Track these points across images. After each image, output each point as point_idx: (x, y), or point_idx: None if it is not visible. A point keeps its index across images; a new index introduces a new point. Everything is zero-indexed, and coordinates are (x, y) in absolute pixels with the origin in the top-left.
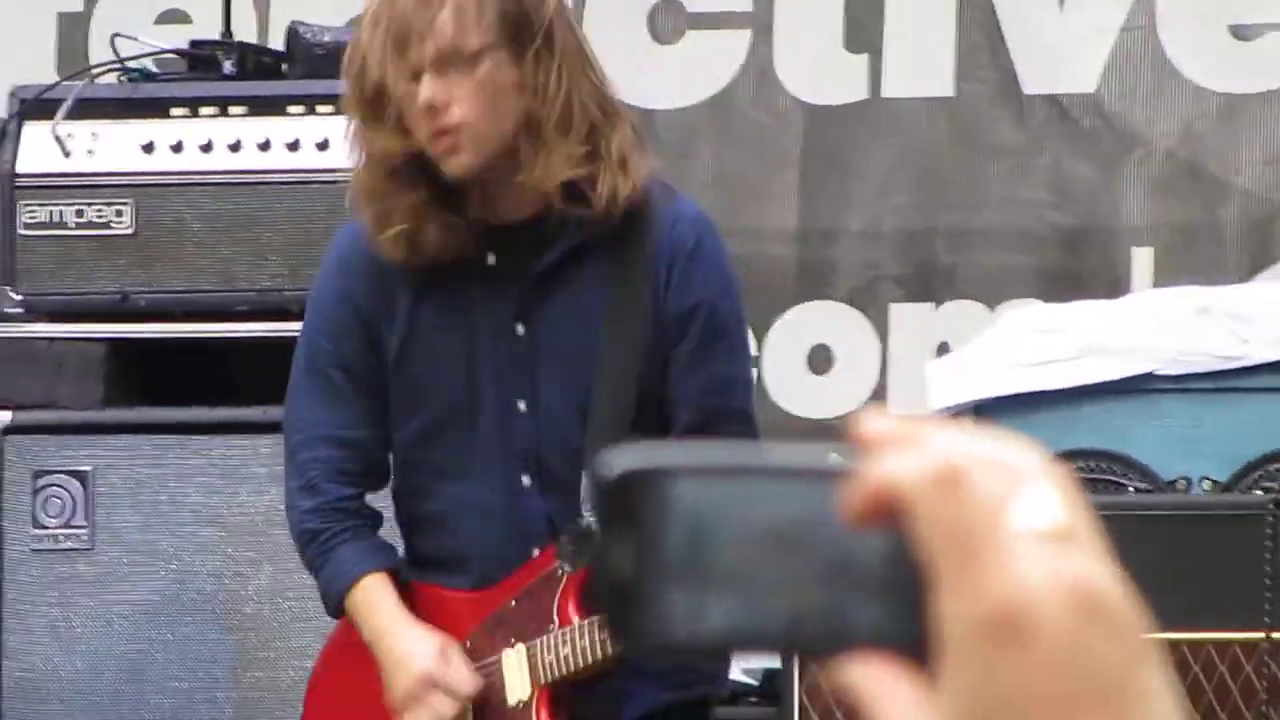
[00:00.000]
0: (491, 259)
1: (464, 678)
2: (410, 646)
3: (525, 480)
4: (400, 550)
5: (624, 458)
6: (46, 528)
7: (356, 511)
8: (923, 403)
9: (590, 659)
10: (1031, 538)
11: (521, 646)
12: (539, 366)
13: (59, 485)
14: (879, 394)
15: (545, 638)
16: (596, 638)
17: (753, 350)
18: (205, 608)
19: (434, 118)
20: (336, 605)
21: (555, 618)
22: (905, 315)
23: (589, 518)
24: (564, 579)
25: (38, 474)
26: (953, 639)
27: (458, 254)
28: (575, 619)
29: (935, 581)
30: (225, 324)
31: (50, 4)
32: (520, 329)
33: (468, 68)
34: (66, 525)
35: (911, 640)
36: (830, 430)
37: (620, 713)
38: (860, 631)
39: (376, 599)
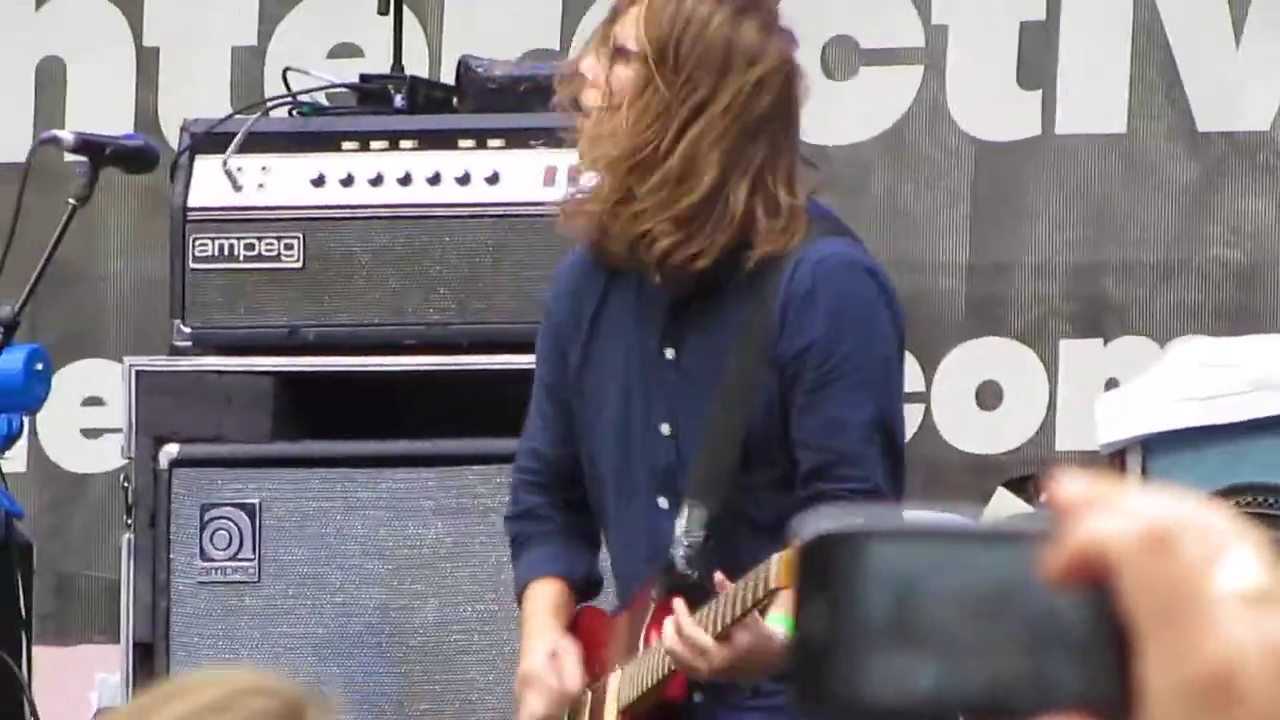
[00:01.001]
0: (656, 278)
1: (562, 677)
2: (533, 648)
3: (663, 502)
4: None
5: (821, 521)
6: (214, 560)
7: (547, 519)
8: (1091, 438)
9: (653, 680)
10: (1237, 600)
11: (619, 671)
12: (682, 391)
13: (227, 518)
14: (1047, 430)
15: (633, 665)
16: (653, 662)
17: (920, 385)
18: (372, 641)
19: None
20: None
21: (641, 645)
22: (1075, 351)
23: (681, 549)
24: (652, 607)
25: (206, 507)
26: (1158, 700)
27: (632, 269)
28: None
29: (1141, 643)
30: (394, 357)
31: (225, 38)
32: (669, 353)
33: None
34: (234, 558)
35: (1115, 701)
36: (998, 466)
37: None
38: (1063, 692)
39: (532, 606)
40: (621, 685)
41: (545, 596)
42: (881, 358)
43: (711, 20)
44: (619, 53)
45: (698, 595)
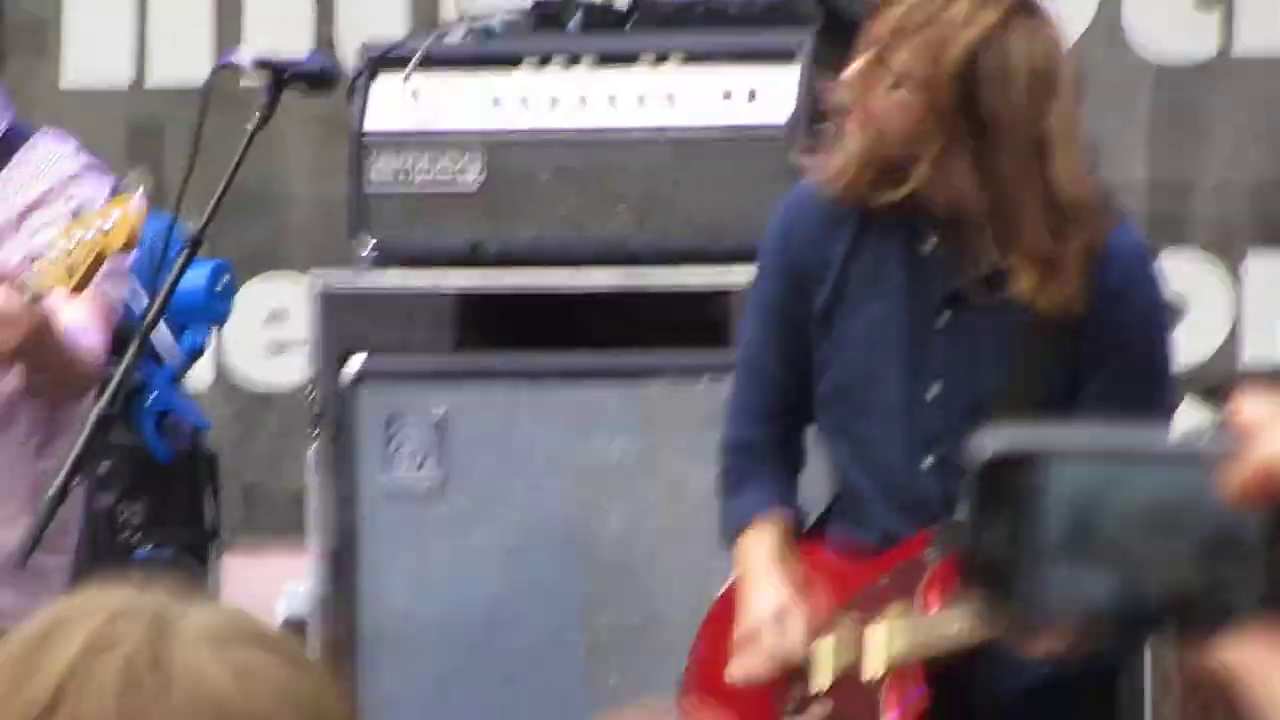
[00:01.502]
0: (930, 245)
1: (788, 640)
2: (757, 596)
3: (927, 462)
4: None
5: (1000, 440)
6: (399, 472)
7: (767, 452)
8: (1275, 352)
9: (947, 648)
10: None
11: (884, 625)
12: (956, 358)
13: (412, 431)
14: (1232, 344)
15: (905, 621)
16: (953, 629)
17: None
18: (557, 551)
19: None
20: (730, 544)
21: (919, 603)
22: (1259, 266)
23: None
24: (930, 567)
25: (390, 420)
26: None
27: (891, 217)
28: (935, 608)
29: None
30: (573, 272)
31: None
32: (943, 319)
33: None
34: (419, 469)
35: None
36: (1183, 380)
37: (1004, 683)
38: (1240, 606)
39: (753, 548)
40: (892, 638)
41: (768, 540)
42: (1166, 353)
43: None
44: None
45: None
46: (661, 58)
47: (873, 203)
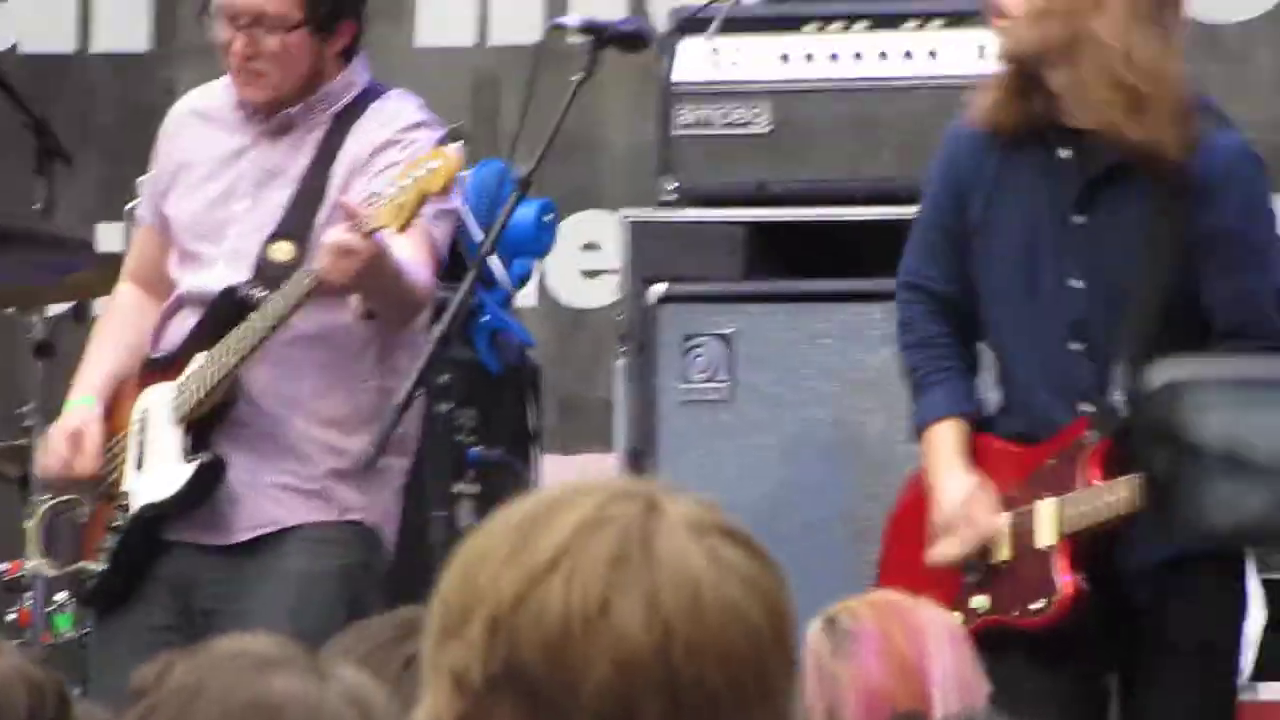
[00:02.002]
0: (1063, 153)
1: (980, 522)
2: (947, 486)
3: (1075, 346)
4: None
5: (1166, 370)
6: (694, 382)
7: (948, 352)
8: None
9: (1108, 515)
10: None
11: (1053, 500)
12: (1092, 251)
13: (705, 346)
14: None
15: (1072, 494)
16: (1113, 498)
17: None
18: (828, 451)
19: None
20: (918, 439)
21: (1081, 479)
22: None
23: (1118, 395)
24: (1090, 447)
25: (687, 337)
26: None
27: (1031, 138)
28: (1097, 481)
29: None
30: (846, 208)
31: None
32: (1079, 218)
33: None
34: (711, 380)
35: None
36: None
37: (1150, 554)
38: None
39: (940, 442)
40: (1061, 514)
41: (952, 435)
42: (1275, 237)
43: None
44: None
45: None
46: (927, 19)
47: (1014, 123)
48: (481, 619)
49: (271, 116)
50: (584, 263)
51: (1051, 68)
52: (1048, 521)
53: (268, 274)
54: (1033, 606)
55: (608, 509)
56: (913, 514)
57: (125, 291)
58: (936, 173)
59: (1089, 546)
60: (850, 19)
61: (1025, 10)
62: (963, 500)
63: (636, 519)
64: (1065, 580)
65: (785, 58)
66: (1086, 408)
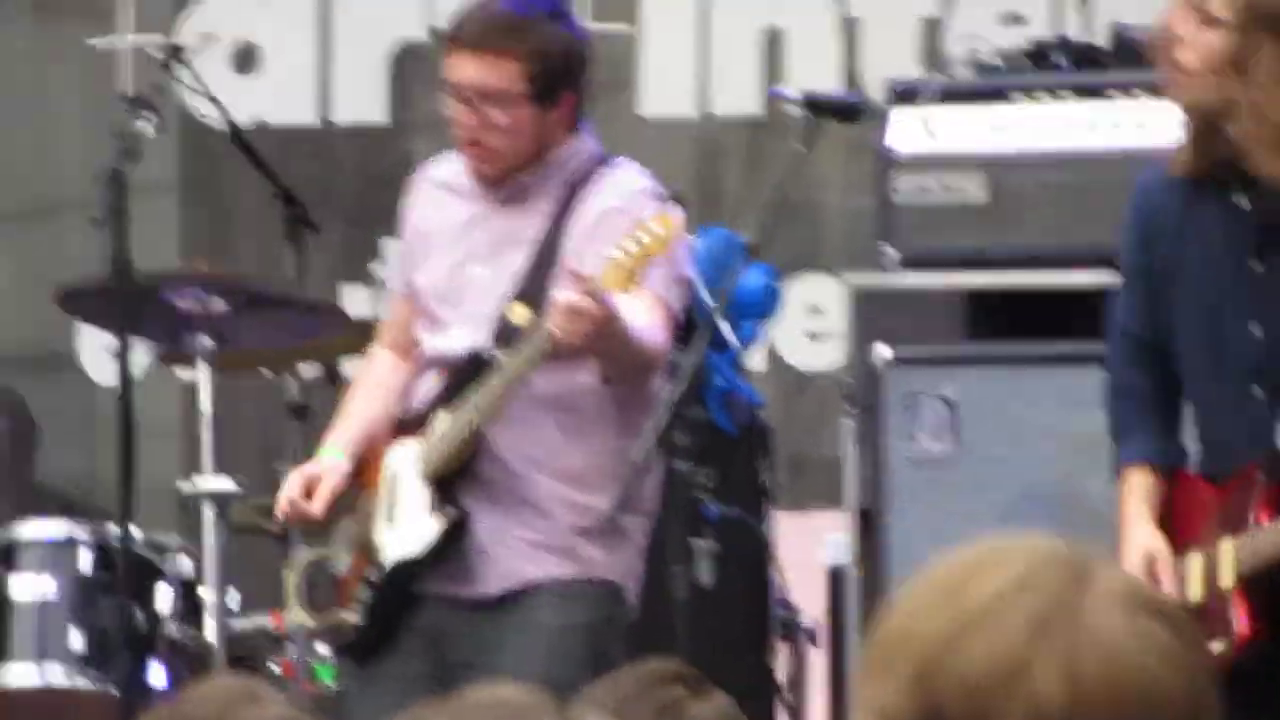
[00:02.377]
0: (1243, 201)
1: (1160, 582)
2: (1131, 539)
3: (1256, 391)
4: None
5: None
6: (920, 442)
7: (1145, 397)
8: None
9: (1272, 555)
10: None
11: (1230, 540)
12: (1269, 299)
13: (930, 407)
14: None
15: (1246, 535)
16: (1273, 538)
17: None
18: (1050, 510)
19: None
20: (1116, 482)
21: (1252, 519)
22: None
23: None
24: (1259, 488)
25: (911, 398)
26: None
27: (1214, 185)
28: (1265, 522)
29: None
30: (1061, 273)
31: (911, 9)
32: (1258, 266)
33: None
34: (936, 440)
35: None
36: None
37: None
38: None
39: (1129, 492)
40: (1236, 555)
41: (1142, 483)
42: None
43: None
44: (1207, 19)
45: None
46: (1132, 90)
47: (1198, 169)
48: (910, 662)
49: (504, 185)
50: (807, 325)
51: (1229, 118)
52: (1226, 562)
53: (506, 336)
54: (1217, 648)
55: (1036, 573)
56: None
57: (380, 356)
58: (1129, 220)
59: (1266, 585)
60: (1056, 90)
61: (1199, 67)
62: (1141, 556)
63: (1062, 585)
64: (1241, 621)
65: (997, 128)
66: (1264, 451)
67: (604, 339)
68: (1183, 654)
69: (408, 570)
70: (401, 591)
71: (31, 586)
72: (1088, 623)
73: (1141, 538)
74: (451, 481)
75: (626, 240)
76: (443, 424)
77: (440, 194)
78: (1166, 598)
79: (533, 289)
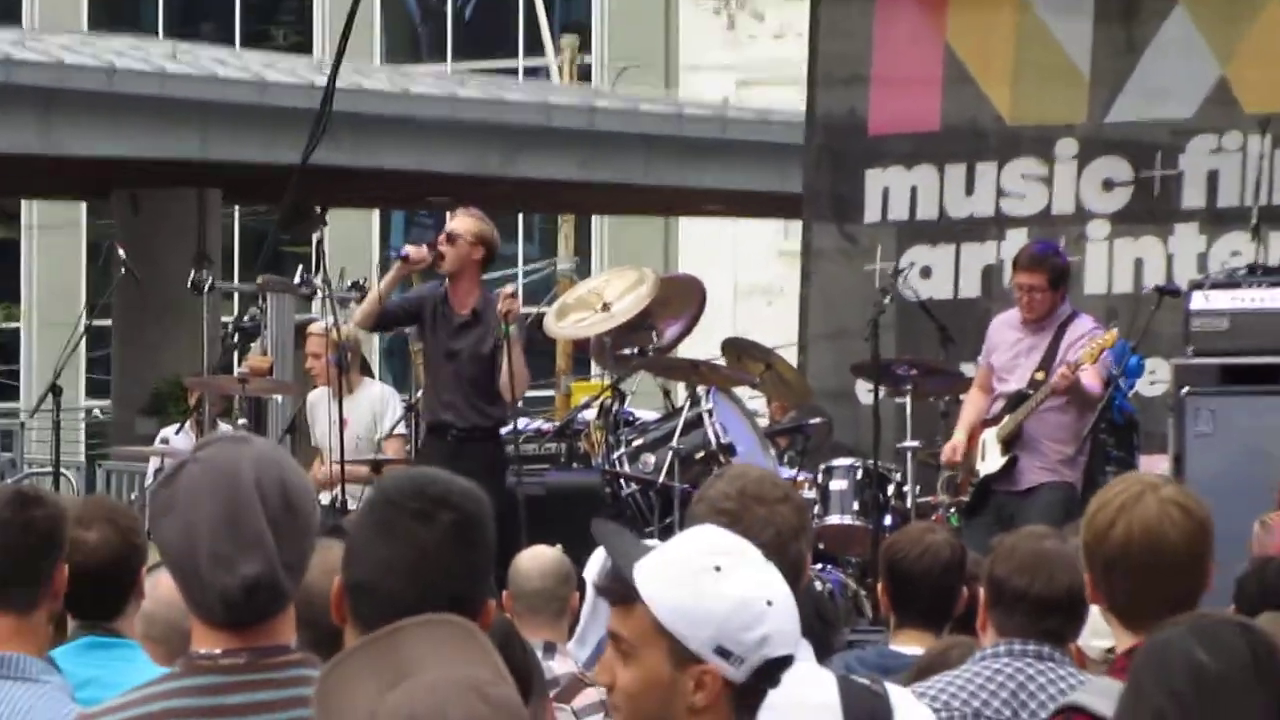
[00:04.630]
0: None
1: None
2: None
3: None
4: None
5: None
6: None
7: None
8: None
9: None
10: None
11: None
12: None
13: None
14: None
15: None
16: None
17: None
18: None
19: None
20: None
21: None
22: None
23: None
24: None
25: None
26: None
27: None
28: None
29: None
30: None
31: None
32: None
33: None
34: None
35: None
36: None
37: None
38: None
39: None
40: None
41: None
42: None
43: None
44: None
45: None
46: None
47: None
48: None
49: (1041, 329)
50: (1147, 379)
51: None
52: None
53: (1033, 386)
54: None
55: (1132, 485)
56: None
57: (975, 393)
58: None
59: None
60: None
61: None
62: None
63: (1139, 491)
64: None
65: None
66: None
67: (1075, 390)
68: (1186, 524)
69: (987, 479)
70: (984, 489)
71: None
72: (1140, 505)
73: None
74: (1009, 442)
75: (1088, 343)
76: (1010, 420)
77: (1006, 330)
78: (1190, 495)
79: (1044, 367)
